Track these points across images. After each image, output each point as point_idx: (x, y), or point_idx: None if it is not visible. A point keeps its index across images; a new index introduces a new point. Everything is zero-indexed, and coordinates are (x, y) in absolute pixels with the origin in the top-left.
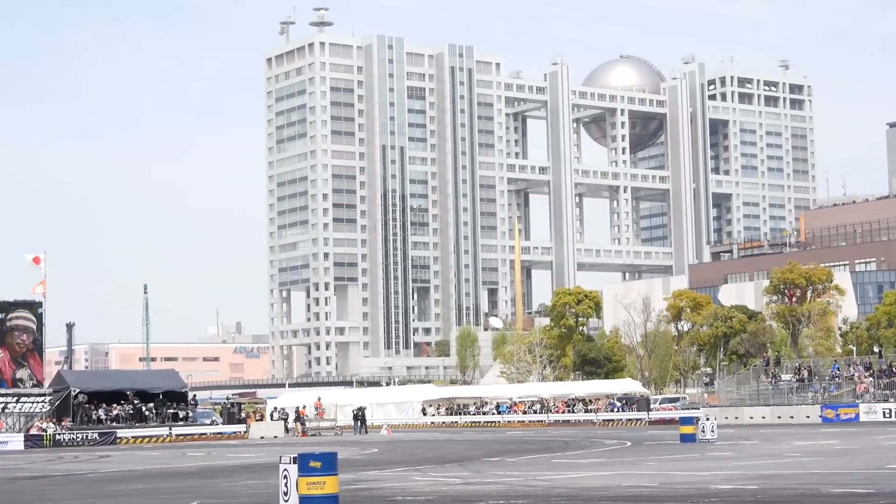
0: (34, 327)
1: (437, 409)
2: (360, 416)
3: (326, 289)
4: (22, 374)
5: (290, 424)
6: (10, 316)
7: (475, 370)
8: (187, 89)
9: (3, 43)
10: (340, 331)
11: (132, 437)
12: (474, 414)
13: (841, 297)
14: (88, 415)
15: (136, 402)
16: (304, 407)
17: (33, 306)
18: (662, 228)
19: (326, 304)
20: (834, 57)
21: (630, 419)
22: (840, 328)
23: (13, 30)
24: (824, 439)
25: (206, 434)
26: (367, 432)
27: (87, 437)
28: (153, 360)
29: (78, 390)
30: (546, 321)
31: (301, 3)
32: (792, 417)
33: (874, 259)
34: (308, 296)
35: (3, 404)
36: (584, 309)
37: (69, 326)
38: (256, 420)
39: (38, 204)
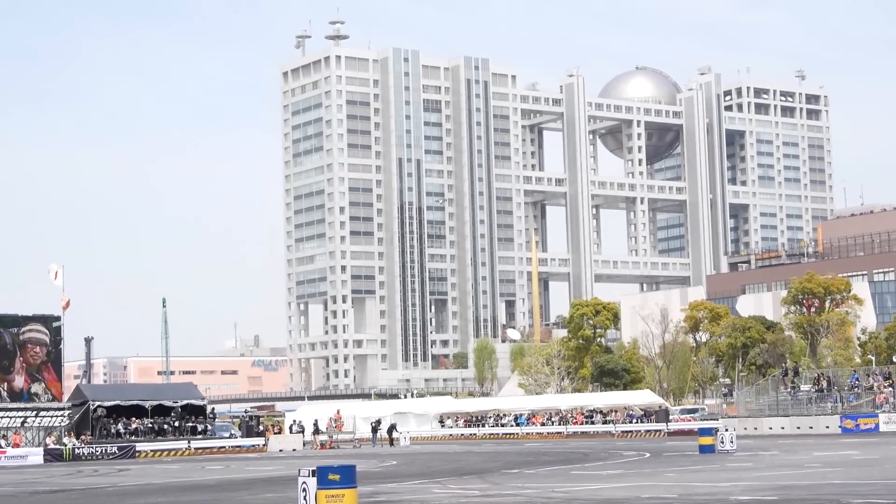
0: (47, 340)
1: (456, 421)
2: (377, 428)
3: (344, 301)
4: (37, 388)
5: (307, 437)
6: (23, 329)
7: (493, 382)
8: (203, 102)
9: (21, 51)
10: (358, 343)
11: (151, 450)
12: (493, 426)
13: (859, 306)
14: (107, 429)
15: (166, 415)
16: (332, 419)
17: (47, 320)
18: (680, 239)
19: (344, 316)
20: (850, 66)
21: (649, 430)
22: (859, 338)
23: (24, 33)
24: (844, 450)
25: (224, 447)
26: (392, 444)
27: (106, 450)
28: (172, 373)
29: (97, 404)
30: (564, 333)
31: (317, 16)
32: (811, 428)
33: (892, 269)
34: (326, 308)
35: (22, 418)
36: (601, 320)
37: (87, 340)
38: (275, 433)
39: (57, 218)
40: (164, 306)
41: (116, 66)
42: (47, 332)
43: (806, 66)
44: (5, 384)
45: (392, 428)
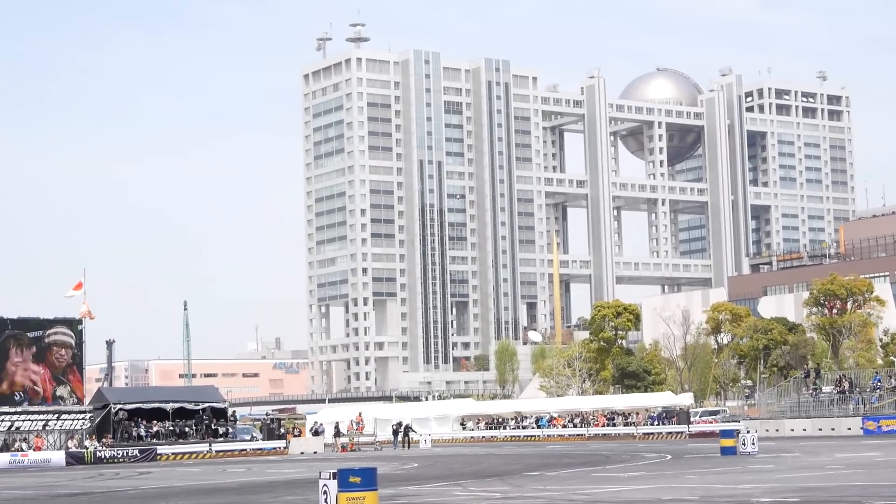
0: (73, 342)
1: (477, 423)
2: (398, 430)
3: (365, 304)
4: (62, 391)
5: (328, 440)
6: (48, 332)
7: (514, 384)
8: (225, 105)
9: (28, 55)
10: (379, 346)
11: (172, 453)
12: (514, 428)
13: (882, 308)
14: (129, 431)
15: (188, 418)
16: (353, 422)
17: (72, 323)
18: (701, 241)
19: (365, 319)
20: (872, 66)
21: (670, 432)
22: (881, 339)
23: (44, 41)
24: (866, 451)
25: (245, 450)
26: (408, 447)
27: (127, 453)
28: (193, 376)
29: (118, 407)
30: (585, 335)
31: (337, 19)
32: (833, 429)
33: None
34: (347, 311)
35: (44, 421)
36: (623, 322)
37: (109, 343)
38: (296, 436)
39: (78, 221)
40: (185, 309)
41: (140, 70)
42: (72, 334)
43: (827, 67)
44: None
45: (408, 429)
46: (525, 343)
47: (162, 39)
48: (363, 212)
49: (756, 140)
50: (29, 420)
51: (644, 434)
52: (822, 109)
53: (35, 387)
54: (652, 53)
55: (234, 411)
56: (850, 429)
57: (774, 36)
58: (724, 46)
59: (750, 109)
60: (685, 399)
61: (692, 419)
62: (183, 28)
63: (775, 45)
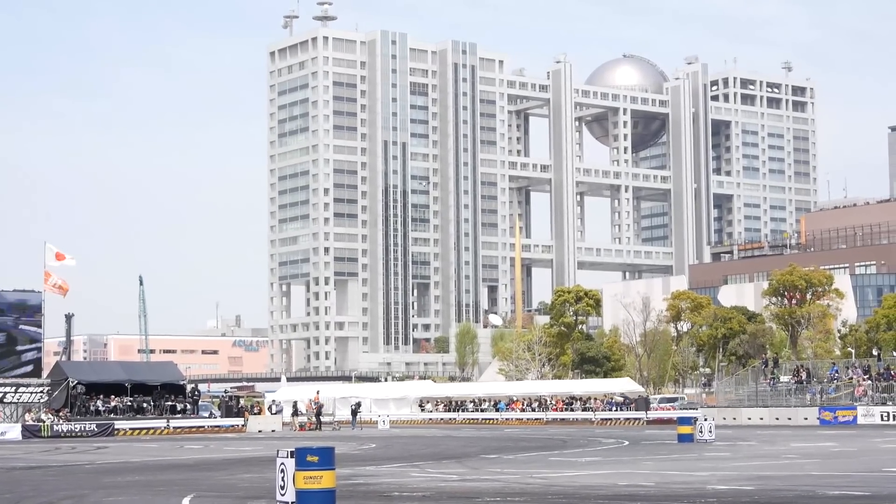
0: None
1: (436, 405)
2: (357, 410)
3: (326, 283)
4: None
5: (286, 419)
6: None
7: (474, 367)
8: (190, 81)
9: (10, 31)
10: (340, 326)
11: (130, 428)
12: (472, 411)
13: (840, 299)
14: (86, 406)
15: (146, 394)
16: (312, 401)
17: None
18: (663, 228)
19: (326, 298)
20: (837, 59)
21: (628, 418)
22: (839, 331)
23: (20, 20)
24: (822, 441)
25: (203, 427)
26: (341, 428)
27: (84, 428)
28: (152, 352)
29: (76, 381)
30: (545, 319)
31: None
32: (790, 419)
33: (874, 262)
34: (308, 290)
35: (1, 394)
36: (583, 307)
37: (68, 317)
38: (254, 414)
39: (38, 193)
40: (140, 284)
41: (101, 44)
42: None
43: (793, 58)
44: None
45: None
46: (485, 326)
47: (128, 14)
48: (326, 191)
49: (720, 129)
50: None
51: (602, 419)
52: (787, 100)
53: None
54: (619, 40)
55: (196, 387)
56: (806, 419)
57: (741, 26)
58: (691, 35)
59: (715, 98)
60: (627, 385)
61: (650, 406)
62: (149, 2)
63: (741, 35)
